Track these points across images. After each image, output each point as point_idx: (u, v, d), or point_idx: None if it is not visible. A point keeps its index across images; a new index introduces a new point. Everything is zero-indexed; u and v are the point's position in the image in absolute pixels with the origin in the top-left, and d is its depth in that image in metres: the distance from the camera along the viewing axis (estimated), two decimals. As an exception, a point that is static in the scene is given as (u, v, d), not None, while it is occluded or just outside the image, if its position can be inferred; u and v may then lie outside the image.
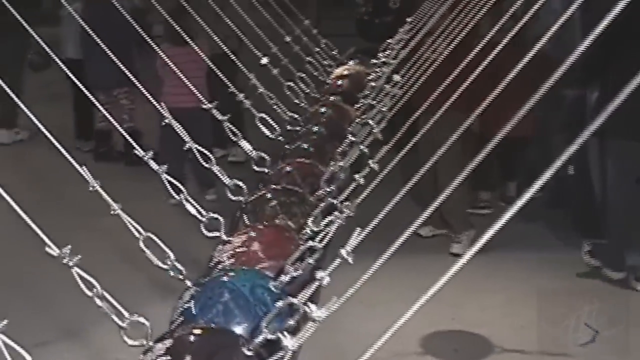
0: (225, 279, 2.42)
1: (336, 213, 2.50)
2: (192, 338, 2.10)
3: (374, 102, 4.14)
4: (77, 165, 2.70)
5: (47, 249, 2.26)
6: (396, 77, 4.08)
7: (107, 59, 3.48)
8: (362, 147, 3.26)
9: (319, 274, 2.06)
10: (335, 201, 2.78)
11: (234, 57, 4.49)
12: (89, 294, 2.28)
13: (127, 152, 10.02)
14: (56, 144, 2.74)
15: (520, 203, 1.50)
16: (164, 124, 3.41)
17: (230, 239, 2.73)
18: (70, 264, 2.25)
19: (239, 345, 2.11)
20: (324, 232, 2.47)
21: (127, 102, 10.22)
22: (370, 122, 3.54)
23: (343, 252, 2.09)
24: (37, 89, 12.47)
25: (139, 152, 2.92)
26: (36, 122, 2.82)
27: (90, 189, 2.66)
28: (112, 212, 2.64)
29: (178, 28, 4.45)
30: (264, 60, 4.50)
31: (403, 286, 5.85)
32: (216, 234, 2.75)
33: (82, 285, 2.28)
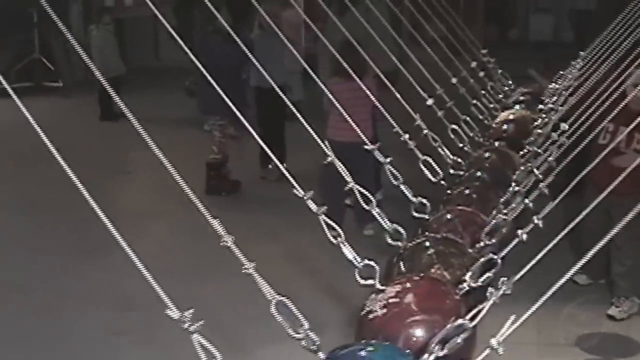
0: (362, 353, 2.32)
1: (491, 290, 2.36)
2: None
3: (540, 150, 4.02)
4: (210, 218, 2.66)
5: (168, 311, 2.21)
6: (564, 126, 3.95)
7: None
8: (527, 200, 3.12)
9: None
10: (495, 257, 2.66)
11: (399, 96, 4.42)
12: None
13: (208, 180, 10.13)
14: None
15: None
16: (326, 162, 3.34)
17: (384, 287, 2.64)
18: (191, 329, 2.27)
19: None
20: (477, 310, 2.32)
21: (218, 134, 10.24)
22: (536, 171, 3.42)
23: (494, 341, 1.99)
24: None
25: (299, 192, 2.85)
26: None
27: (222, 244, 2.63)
28: (243, 271, 2.58)
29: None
30: (430, 102, 4.42)
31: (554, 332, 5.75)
32: (370, 282, 2.67)
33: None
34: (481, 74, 5.76)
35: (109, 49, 14.32)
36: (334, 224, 2.79)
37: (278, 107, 10.27)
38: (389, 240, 3.07)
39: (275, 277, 7.61)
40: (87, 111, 14.64)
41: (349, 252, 2.75)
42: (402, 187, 3.43)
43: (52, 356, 6.03)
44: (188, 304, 6.65)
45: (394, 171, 3.45)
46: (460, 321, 2.21)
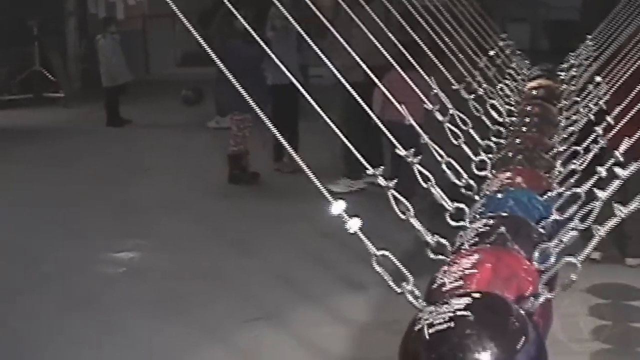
0: (500, 195, 3.25)
1: (593, 144, 3.30)
2: (503, 217, 2.93)
3: (579, 99, 4.93)
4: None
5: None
6: (598, 79, 4.82)
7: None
8: (590, 115, 4.05)
9: (600, 169, 2.86)
10: (578, 147, 3.59)
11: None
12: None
13: (231, 170, 11.10)
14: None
15: None
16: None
17: (497, 175, 3.55)
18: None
19: (534, 226, 2.93)
20: (583, 158, 3.27)
21: (235, 129, 11.11)
22: (589, 105, 4.35)
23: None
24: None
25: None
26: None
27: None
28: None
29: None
30: (481, 64, 5.31)
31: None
32: (485, 172, 3.58)
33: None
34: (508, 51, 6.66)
35: (117, 57, 15.05)
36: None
37: (292, 103, 11.21)
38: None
39: (302, 252, 8.41)
40: (91, 119, 15.37)
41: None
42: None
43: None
44: (230, 274, 7.47)
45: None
46: (572, 166, 3.18)
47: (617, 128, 3.48)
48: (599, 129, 3.59)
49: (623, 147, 2.85)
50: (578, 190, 2.88)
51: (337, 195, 2.37)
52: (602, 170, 2.84)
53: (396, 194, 2.79)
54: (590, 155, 3.39)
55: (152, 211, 9.84)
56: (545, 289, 2.28)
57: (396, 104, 3.63)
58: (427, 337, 2.08)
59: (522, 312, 2.16)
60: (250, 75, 10.07)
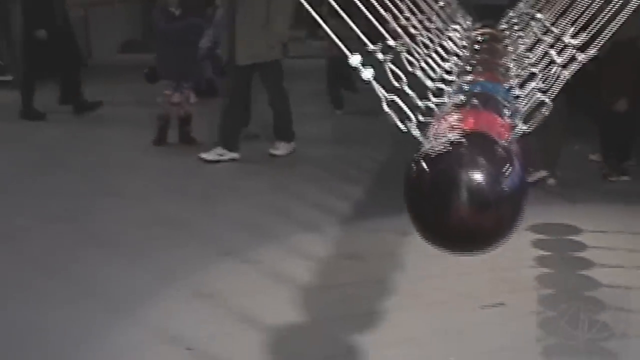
0: (473, 84, 3.93)
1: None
2: (474, 93, 3.59)
3: (522, 33, 5.58)
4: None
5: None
6: (539, 15, 5.43)
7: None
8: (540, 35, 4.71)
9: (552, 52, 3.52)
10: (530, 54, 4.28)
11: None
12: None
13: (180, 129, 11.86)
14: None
15: None
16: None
17: (461, 77, 4.22)
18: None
19: (500, 100, 3.60)
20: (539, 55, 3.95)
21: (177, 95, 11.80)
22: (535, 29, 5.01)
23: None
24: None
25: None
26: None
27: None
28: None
29: None
30: (438, 7, 5.93)
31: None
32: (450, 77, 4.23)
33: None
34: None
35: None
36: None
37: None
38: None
39: (262, 202, 9.03)
40: (42, 99, 15.71)
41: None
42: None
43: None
44: (196, 221, 8.11)
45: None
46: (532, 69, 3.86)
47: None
48: (548, 39, 4.24)
49: (577, 42, 3.50)
50: (534, 70, 3.54)
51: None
52: (553, 53, 3.49)
53: (392, 66, 3.16)
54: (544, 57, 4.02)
55: (114, 172, 10.44)
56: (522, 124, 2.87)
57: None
58: (429, 158, 2.64)
59: (508, 146, 2.70)
60: (177, 47, 10.90)
